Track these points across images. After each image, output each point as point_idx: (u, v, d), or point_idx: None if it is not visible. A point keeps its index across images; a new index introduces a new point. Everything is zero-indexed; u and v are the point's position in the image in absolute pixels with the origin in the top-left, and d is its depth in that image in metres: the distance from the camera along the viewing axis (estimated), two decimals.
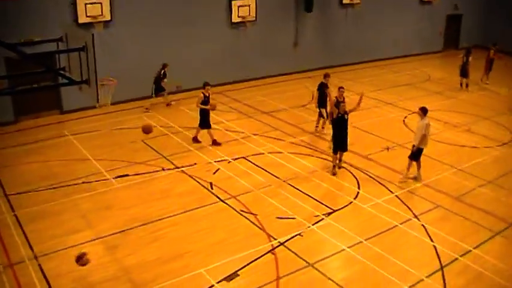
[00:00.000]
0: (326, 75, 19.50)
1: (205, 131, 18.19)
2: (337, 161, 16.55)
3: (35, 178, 15.51)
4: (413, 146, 15.81)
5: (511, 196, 15.35)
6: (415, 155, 15.75)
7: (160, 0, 22.37)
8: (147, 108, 21.82)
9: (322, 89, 18.96)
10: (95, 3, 20.51)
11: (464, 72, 26.26)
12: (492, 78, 27.44)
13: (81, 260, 10.42)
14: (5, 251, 12.07)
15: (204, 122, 18.14)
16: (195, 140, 18.36)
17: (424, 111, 15.69)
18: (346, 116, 16.04)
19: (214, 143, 18.21)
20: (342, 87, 17.87)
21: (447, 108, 23.32)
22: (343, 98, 17.35)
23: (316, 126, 19.80)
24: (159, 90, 21.86)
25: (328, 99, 18.05)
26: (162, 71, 21.62)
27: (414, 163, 15.89)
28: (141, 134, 18.46)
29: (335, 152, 16.43)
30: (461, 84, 26.63)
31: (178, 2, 22.88)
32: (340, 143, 16.27)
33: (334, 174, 16.23)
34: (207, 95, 17.93)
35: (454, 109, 23.19)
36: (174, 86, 22.53)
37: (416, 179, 15.96)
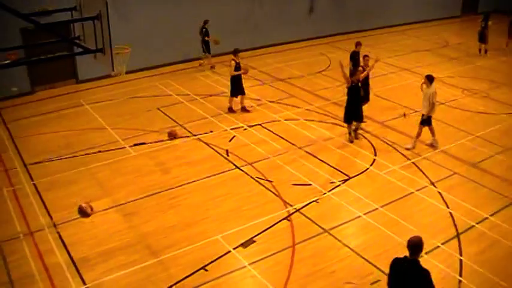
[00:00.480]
0: (358, 44, 19.21)
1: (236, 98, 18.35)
2: (353, 132, 16.32)
3: (52, 147, 15.66)
4: (423, 114, 15.65)
5: None
6: (426, 121, 15.64)
7: None
8: (200, 65, 22.87)
9: (355, 58, 18.62)
10: None
11: (483, 38, 25.85)
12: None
13: (83, 210, 10.58)
14: (24, 219, 12.26)
15: (238, 89, 18.11)
16: (231, 110, 18.32)
17: (430, 79, 15.48)
18: (360, 84, 15.85)
19: (244, 109, 18.28)
20: (366, 55, 17.59)
21: (465, 74, 23.04)
22: (368, 67, 17.09)
23: None
24: (205, 48, 22.43)
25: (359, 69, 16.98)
26: (204, 29, 21.95)
27: (427, 129, 15.75)
28: (157, 103, 18.66)
29: (348, 121, 16.14)
30: (479, 50, 26.24)
31: None
32: (353, 112, 16.00)
33: (351, 141, 16.17)
34: (238, 61, 17.87)
35: (472, 75, 22.90)
36: (213, 41, 22.44)
37: (432, 145, 15.87)
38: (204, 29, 22.00)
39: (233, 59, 17.81)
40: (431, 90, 15.37)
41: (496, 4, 35.50)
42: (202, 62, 23.06)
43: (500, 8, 34.64)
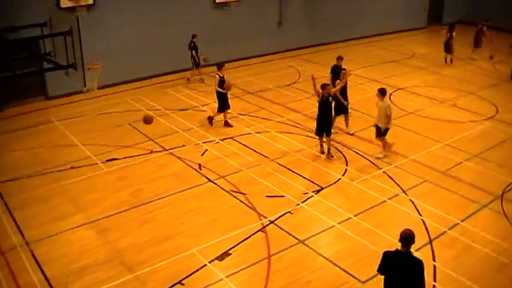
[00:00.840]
0: (339, 58, 18.89)
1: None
2: (326, 146, 16.23)
3: (23, 165, 15.46)
4: (377, 126, 15.84)
5: (497, 169, 15.53)
6: (383, 134, 15.79)
7: None
8: (187, 79, 22.89)
9: (336, 71, 18.20)
10: None
11: (448, 48, 26.39)
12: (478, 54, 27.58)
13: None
14: None
15: (224, 104, 18.04)
16: (227, 124, 18.26)
17: (382, 92, 15.56)
18: (330, 98, 15.82)
19: (227, 124, 18.21)
20: (344, 68, 17.70)
21: (432, 83, 23.48)
22: (346, 81, 17.10)
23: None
24: (193, 62, 22.48)
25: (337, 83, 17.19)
26: (192, 43, 22.00)
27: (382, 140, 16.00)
28: (128, 118, 18.57)
29: (319, 134, 16.14)
30: (445, 60, 26.77)
31: None
32: (324, 126, 15.95)
33: (322, 152, 16.28)
34: (222, 75, 17.80)
35: (439, 84, 23.34)
36: (202, 59, 22.50)
37: (379, 158, 16.02)
38: (191, 43, 22.01)
39: (217, 73, 17.76)
40: (386, 103, 15.60)
41: (460, 15, 36.30)
42: (189, 77, 22.99)
43: (464, 19, 35.46)
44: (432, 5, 35.68)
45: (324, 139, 16.22)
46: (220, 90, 17.75)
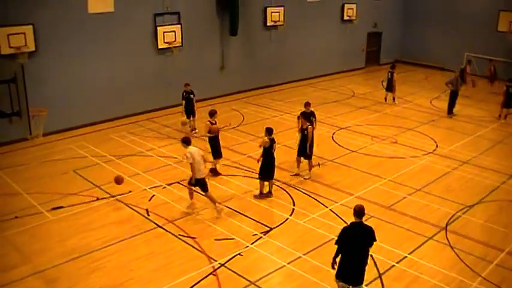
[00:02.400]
0: (307, 104, 18.75)
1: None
2: (268, 190, 16.32)
3: None
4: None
5: (440, 201, 15.99)
6: (194, 184, 15.20)
7: (86, 28, 22.17)
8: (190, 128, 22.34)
9: (305, 118, 17.72)
10: (18, 33, 19.94)
11: (390, 87, 27.16)
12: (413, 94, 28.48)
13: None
14: None
15: (217, 152, 17.74)
16: (215, 172, 17.84)
17: (185, 141, 15.09)
18: (274, 145, 16.00)
19: (215, 172, 17.82)
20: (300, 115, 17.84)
21: (373, 122, 24.08)
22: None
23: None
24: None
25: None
26: (183, 92, 21.83)
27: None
28: (73, 165, 18.28)
29: (264, 179, 16.18)
30: (385, 99, 27.50)
31: (103, 31, 22.71)
32: (269, 171, 16.07)
33: (261, 194, 16.25)
34: (214, 123, 17.58)
35: (379, 123, 23.96)
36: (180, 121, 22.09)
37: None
38: (183, 93, 21.85)
39: (209, 121, 17.55)
40: (188, 150, 14.82)
41: (397, 55, 37.67)
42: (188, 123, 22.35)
43: (400, 58, 36.82)
44: (370, 45, 36.81)
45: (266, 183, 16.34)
46: (209, 134, 17.41)
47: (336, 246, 10.12)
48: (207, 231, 14.18)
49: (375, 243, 10.07)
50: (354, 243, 9.95)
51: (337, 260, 10.17)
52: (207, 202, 15.52)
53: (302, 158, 17.51)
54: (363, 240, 9.97)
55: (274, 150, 15.97)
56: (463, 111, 25.80)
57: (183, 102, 22.05)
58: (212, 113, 17.84)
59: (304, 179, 17.41)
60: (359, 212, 9.96)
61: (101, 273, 12.29)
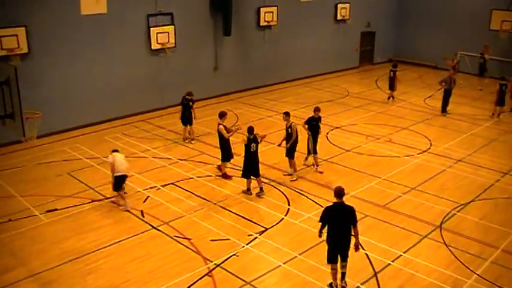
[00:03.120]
0: (317, 109, 18.27)
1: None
2: (247, 188, 16.54)
3: None
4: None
5: (434, 200, 16.03)
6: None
7: (79, 29, 22.13)
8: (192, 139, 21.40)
9: (312, 123, 18.06)
10: (10, 35, 19.88)
11: (392, 86, 27.27)
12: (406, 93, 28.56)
13: None
14: None
15: (228, 154, 17.68)
16: (225, 176, 17.74)
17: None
18: (254, 144, 16.12)
19: (225, 176, 17.75)
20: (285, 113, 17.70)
21: (368, 121, 24.10)
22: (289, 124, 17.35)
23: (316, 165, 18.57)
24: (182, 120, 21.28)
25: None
26: (183, 99, 20.99)
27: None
28: (67, 167, 18.22)
29: (246, 176, 16.41)
30: (388, 98, 27.65)
31: (96, 32, 22.68)
32: (246, 168, 16.38)
33: (248, 190, 16.47)
34: (224, 125, 17.48)
35: (374, 122, 23.98)
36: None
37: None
38: (182, 99, 21.08)
39: (220, 123, 17.44)
40: (109, 159, 15.71)
41: (391, 54, 37.76)
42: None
43: (394, 57, 36.89)
44: (363, 45, 36.85)
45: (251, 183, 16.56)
46: (228, 135, 17.32)
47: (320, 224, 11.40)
48: (203, 232, 14.16)
49: (357, 224, 11.21)
50: (337, 221, 11.14)
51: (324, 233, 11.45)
52: (203, 203, 15.54)
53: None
54: (344, 218, 11.10)
55: (253, 149, 16.11)
56: (456, 109, 25.85)
57: (181, 108, 21.20)
58: (222, 114, 17.78)
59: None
60: (339, 192, 11.10)
61: (97, 275, 12.26)
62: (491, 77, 29.31)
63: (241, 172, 16.70)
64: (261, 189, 16.39)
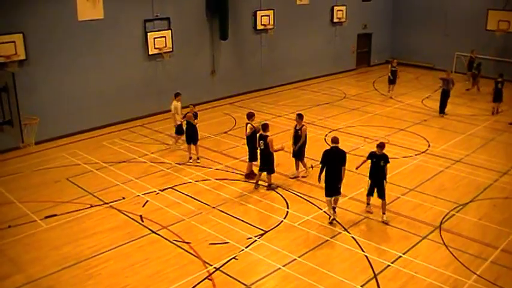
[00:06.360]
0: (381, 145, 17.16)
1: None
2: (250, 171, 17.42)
3: None
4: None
5: (433, 201, 16.04)
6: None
7: (76, 35, 22.16)
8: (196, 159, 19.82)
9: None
10: (8, 42, 19.88)
11: (393, 80, 28.15)
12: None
13: None
14: None
15: (253, 155, 17.67)
16: (250, 176, 17.79)
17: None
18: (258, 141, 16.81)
19: (249, 176, 17.82)
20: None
21: (365, 123, 24.12)
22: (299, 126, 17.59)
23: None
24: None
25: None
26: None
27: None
28: (66, 173, 18.22)
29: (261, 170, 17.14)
30: (389, 91, 28.69)
31: (93, 38, 22.72)
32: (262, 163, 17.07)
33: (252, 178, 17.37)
34: (253, 125, 17.41)
35: (371, 123, 24.00)
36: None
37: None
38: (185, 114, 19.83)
39: (248, 123, 17.46)
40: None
41: (387, 56, 37.81)
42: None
43: (391, 59, 36.82)
44: (360, 47, 36.91)
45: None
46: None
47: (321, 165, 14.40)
48: (202, 235, 14.15)
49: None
50: (331, 162, 14.25)
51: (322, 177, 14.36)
52: (202, 207, 15.56)
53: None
54: (337, 159, 14.24)
55: (261, 147, 16.74)
56: (454, 110, 25.87)
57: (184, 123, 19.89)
58: (251, 115, 17.75)
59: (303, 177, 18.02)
60: (334, 140, 14.50)
61: (96, 280, 12.25)
62: (483, 77, 29.57)
63: (244, 173, 17.68)
64: (269, 185, 16.92)
